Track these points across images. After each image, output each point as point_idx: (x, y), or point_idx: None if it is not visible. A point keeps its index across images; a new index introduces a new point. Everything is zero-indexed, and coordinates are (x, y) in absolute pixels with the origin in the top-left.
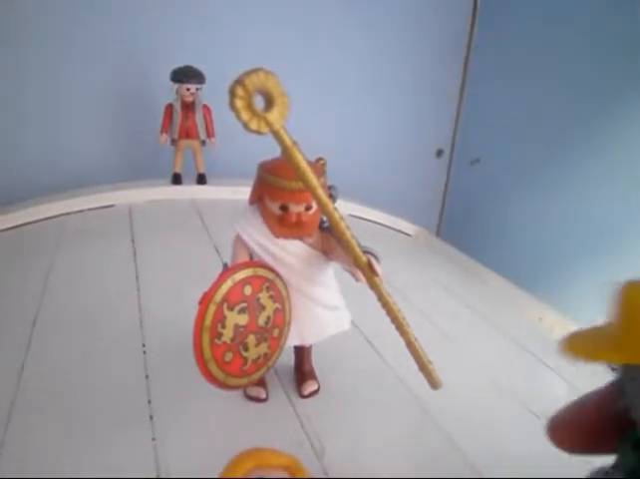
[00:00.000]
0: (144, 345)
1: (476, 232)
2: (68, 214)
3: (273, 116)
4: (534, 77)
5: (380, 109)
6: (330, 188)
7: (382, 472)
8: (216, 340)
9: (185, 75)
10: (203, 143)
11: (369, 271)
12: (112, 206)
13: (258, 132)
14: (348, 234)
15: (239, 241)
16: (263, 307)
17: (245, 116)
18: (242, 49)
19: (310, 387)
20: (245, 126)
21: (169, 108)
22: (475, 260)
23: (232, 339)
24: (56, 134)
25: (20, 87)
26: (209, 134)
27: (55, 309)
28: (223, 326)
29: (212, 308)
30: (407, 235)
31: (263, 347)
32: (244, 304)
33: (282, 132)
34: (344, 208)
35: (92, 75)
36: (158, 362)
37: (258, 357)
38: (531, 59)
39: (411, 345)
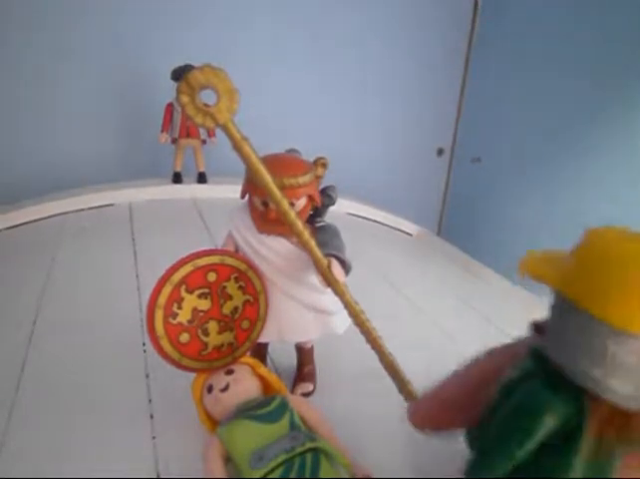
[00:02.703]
0: (144, 344)
1: (476, 230)
2: (68, 213)
3: (218, 110)
4: (535, 76)
5: (381, 108)
6: (329, 188)
7: (381, 470)
8: (171, 319)
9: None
10: (204, 142)
11: (329, 275)
12: (111, 205)
13: (203, 125)
14: (306, 234)
15: (228, 236)
16: (230, 297)
17: (190, 110)
18: (244, 48)
19: (304, 389)
20: (192, 119)
21: (170, 107)
22: (475, 259)
23: (190, 321)
24: (56, 133)
25: (19, 86)
26: (210, 133)
27: (55, 309)
28: (179, 307)
29: (169, 288)
30: (408, 234)
31: (228, 336)
32: (206, 290)
33: (230, 126)
34: (345, 207)
35: (92, 74)
36: (158, 361)
37: (222, 345)
38: (532, 58)
39: (383, 360)
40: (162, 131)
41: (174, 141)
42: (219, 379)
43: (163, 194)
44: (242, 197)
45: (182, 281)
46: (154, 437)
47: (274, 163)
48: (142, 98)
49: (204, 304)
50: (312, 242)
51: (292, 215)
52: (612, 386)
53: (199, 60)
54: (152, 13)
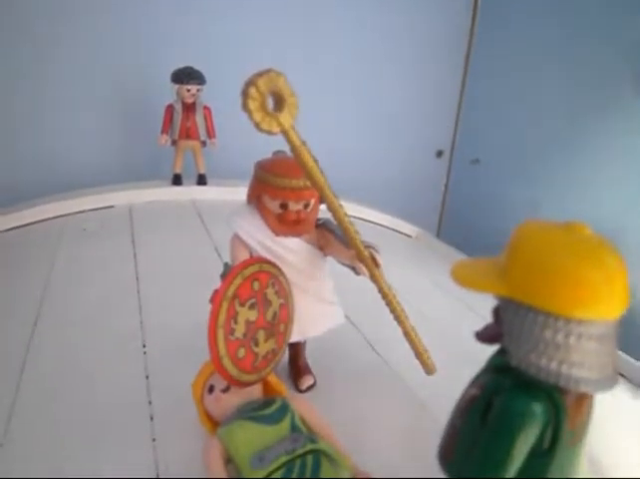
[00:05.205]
0: (144, 346)
1: (476, 232)
2: (68, 215)
3: (283, 116)
4: (535, 77)
5: (380, 109)
6: None
7: (381, 463)
8: (230, 336)
9: (186, 76)
10: (204, 144)
11: (371, 264)
12: (112, 206)
13: (269, 132)
14: (352, 229)
15: (238, 241)
16: (270, 303)
17: (257, 117)
18: (242, 50)
19: (307, 382)
20: (257, 126)
21: (170, 109)
22: None
23: (244, 335)
24: (56, 135)
25: (19, 88)
26: (210, 134)
27: (56, 310)
28: (236, 322)
29: (225, 305)
30: (407, 236)
31: (271, 343)
32: (254, 300)
33: (292, 131)
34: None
35: (93, 76)
36: (158, 363)
37: (267, 353)
38: (532, 58)
39: (408, 334)
40: (162, 132)
41: (174, 142)
42: (221, 380)
43: (163, 195)
44: (250, 201)
45: (235, 295)
46: (154, 439)
47: (291, 166)
48: (142, 99)
49: (253, 315)
50: (357, 236)
51: (342, 211)
52: (574, 375)
53: (198, 61)
54: (151, 14)
